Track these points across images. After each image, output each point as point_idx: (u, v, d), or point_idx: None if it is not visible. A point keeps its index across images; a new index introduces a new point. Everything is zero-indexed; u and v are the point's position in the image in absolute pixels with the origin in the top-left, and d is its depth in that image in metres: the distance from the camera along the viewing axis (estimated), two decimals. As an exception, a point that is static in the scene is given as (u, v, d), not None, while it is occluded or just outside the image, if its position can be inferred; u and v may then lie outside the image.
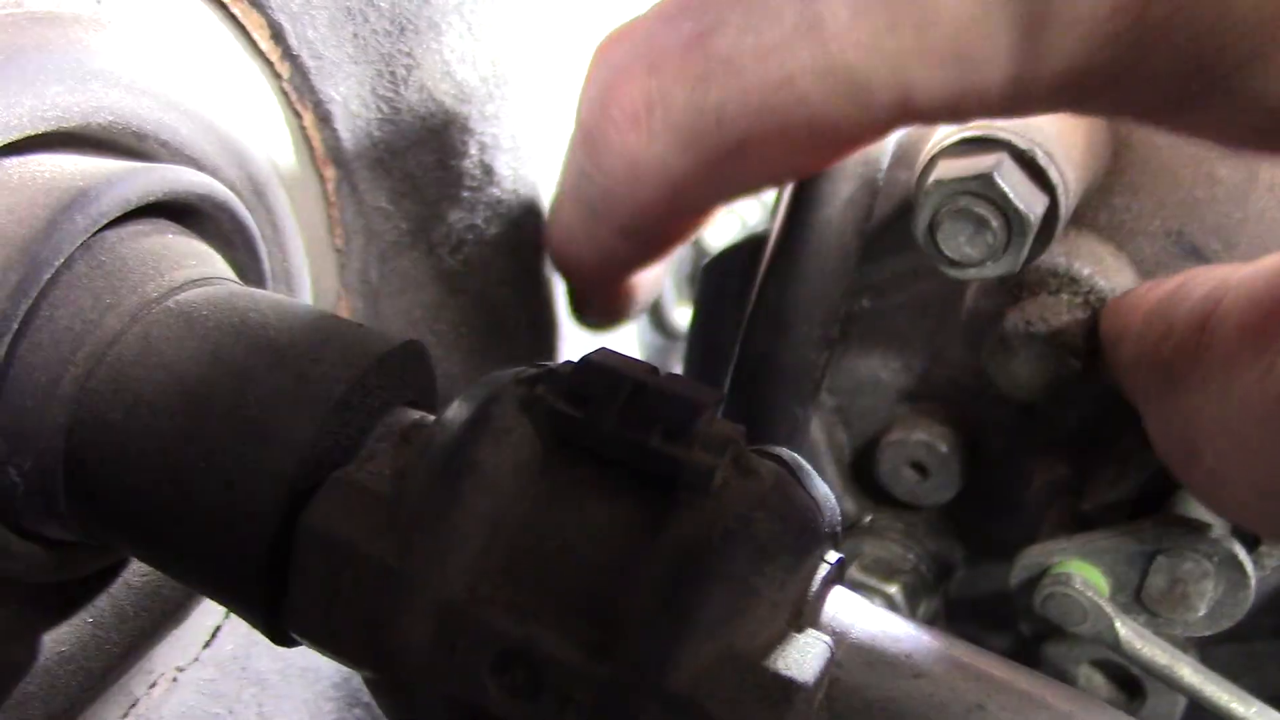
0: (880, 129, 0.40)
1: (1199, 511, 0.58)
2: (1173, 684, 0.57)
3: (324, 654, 0.38)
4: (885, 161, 0.59)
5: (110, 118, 0.43)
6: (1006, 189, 0.52)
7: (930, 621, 0.71)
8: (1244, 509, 0.48)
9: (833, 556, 0.37)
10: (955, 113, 0.39)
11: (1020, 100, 0.37)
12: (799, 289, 0.56)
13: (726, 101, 0.41)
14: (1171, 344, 0.49)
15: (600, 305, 0.61)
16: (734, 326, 0.62)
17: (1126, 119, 0.47)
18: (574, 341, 0.75)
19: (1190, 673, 0.57)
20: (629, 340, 1.21)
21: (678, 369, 1.22)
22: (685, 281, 1.34)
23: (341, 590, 0.36)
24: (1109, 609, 0.58)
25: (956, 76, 0.37)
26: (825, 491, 0.38)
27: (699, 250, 1.34)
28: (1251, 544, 0.58)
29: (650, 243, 0.53)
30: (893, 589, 0.67)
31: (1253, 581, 0.56)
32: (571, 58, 0.73)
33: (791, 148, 0.42)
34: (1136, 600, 0.59)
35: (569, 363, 0.38)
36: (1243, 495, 0.46)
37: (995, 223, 0.52)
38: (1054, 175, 0.53)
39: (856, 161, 0.57)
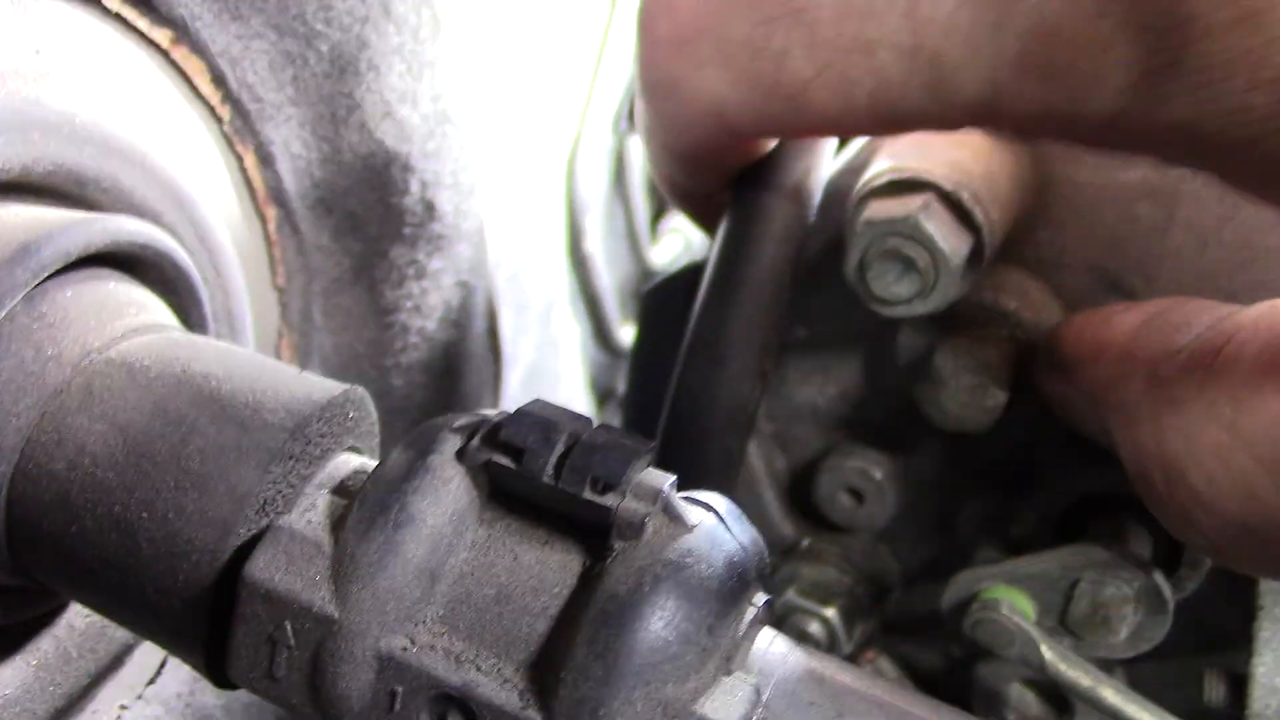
0: (954, 123, 0.37)
1: (1124, 538, 0.60)
2: (1096, 705, 0.59)
3: (266, 700, 0.39)
4: (817, 198, 0.60)
5: (51, 166, 0.44)
6: (932, 231, 0.53)
7: (867, 642, 0.72)
8: (1218, 536, 0.49)
9: (760, 598, 0.38)
10: (1045, 130, 0.36)
11: (1127, 132, 0.34)
12: (733, 324, 0.56)
13: (791, 49, 0.38)
14: (1177, 364, 0.48)
15: (702, 222, 0.56)
16: (676, 353, 0.63)
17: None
18: (518, 372, 0.76)
19: (1112, 694, 0.59)
20: (574, 356, 1.22)
21: (622, 386, 1.23)
22: (631, 300, 1.35)
23: (282, 639, 0.37)
24: (1035, 633, 0.60)
25: (1058, 93, 0.34)
26: (754, 536, 0.39)
27: (644, 270, 1.36)
28: (1170, 569, 0.60)
29: (705, 170, 0.50)
30: (829, 612, 0.68)
31: (1170, 606, 0.58)
32: (513, 94, 0.74)
33: (851, 111, 0.39)
34: (1061, 624, 0.61)
35: (504, 413, 0.39)
36: (1221, 523, 0.47)
37: (922, 263, 0.54)
38: (979, 216, 0.55)
39: (789, 199, 0.58)
